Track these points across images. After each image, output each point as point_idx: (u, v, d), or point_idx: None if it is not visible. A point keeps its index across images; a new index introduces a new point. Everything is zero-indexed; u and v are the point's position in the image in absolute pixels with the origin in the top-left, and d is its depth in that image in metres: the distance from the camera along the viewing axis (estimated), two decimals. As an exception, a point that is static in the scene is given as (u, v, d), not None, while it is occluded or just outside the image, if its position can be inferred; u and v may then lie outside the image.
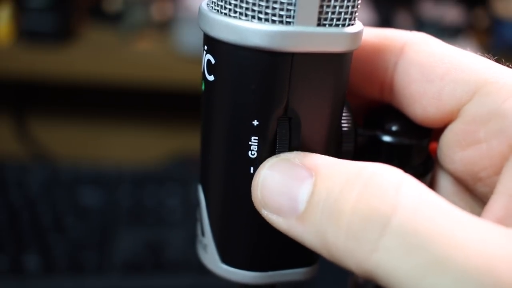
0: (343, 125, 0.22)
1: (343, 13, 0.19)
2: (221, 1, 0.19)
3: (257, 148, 0.20)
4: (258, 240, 0.22)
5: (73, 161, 0.80)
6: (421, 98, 0.21)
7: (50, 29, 0.74)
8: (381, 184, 0.17)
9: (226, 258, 0.22)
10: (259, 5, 0.18)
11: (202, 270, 0.25)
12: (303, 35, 0.18)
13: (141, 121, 0.92)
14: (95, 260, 0.62)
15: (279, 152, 0.20)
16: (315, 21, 0.18)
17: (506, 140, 0.19)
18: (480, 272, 0.14)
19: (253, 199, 0.20)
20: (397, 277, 0.15)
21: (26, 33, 0.74)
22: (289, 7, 0.18)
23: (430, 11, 0.85)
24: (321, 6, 0.18)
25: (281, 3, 0.18)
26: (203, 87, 0.21)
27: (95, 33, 0.80)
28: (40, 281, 0.59)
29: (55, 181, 0.70)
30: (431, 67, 0.21)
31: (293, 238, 0.19)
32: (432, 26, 0.81)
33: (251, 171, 0.20)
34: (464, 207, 0.19)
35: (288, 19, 0.18)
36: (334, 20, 0.19)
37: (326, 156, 0.19)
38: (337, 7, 0.19)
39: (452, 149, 0.21)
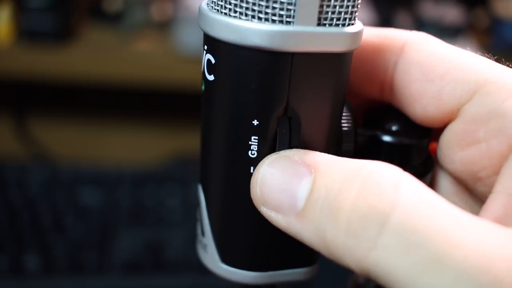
0: (343, 124, 0.22)
1: (343, 13, 0.19)
2: (221, 1, 0.19)
3: (257, 147, 0.20)
4: (258, 240, 0.22)
5: (73, 161, 0.80)
6: (421, 98, 0.21)
7: (50, 29, 0.74)
8: (380, 182, 0.17)
9: (226, 258, 0.22)
10: (259, 4, 0.18)
11: (202, 270, 0.25)
12: (303, 34, 0.18)
13: (141, 121, 0.92)
14: (95, 260, 0.62)
15: (279, 152, 0.20)
16: (315, 21, 0.18)
17: (505, 140, 0.19)
18: (478, 271, 0.14)
19: (252, 196, 0.20)
20: (396, 275, 0.15)
21: (26, 33, 0.74)
22: (289, 7, 0.18)
23: (430, 11, 0.85)
24: (321, 6, 0.18)
25: (281, 2, 0.18)
26: (203, 87, 0.21)
27: (95, 33, 0.80)
28: (40, 281, 0.59)
29: (55, 181, 0.70)
30: (431, 66, 0.21)
31: (292, 235, 0.19)
32: (432, 26, 0.81)
33: (251, 171, 0.20)
34: (464, 207, 0.19)
35: (288, 19, 0.18)
36: (334, 19, 0.19)
37: (326, 154, 0.19)
38: (337, 7, 0.19)
39: (452, 149, 0.21)
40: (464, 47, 0.22)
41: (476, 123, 0.20)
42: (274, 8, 0.18)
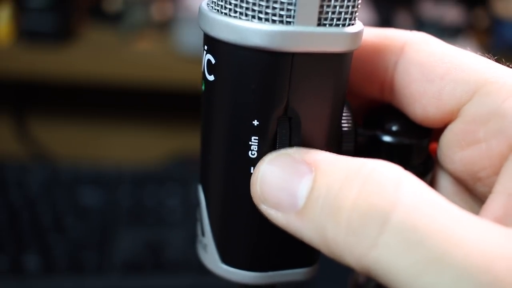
0: (343, 125, 0.22)
1: (343, 13, 0.19)
2: (221, 1, 0.19)
3: (257, 148, 0.20)
4: (258, 240, 0.22)
5: (73, 161, 0.80)
6: (421, 98, 0.21)
7: (50, 29, 0.74)
8: (381, 181, 0.17)
9: (226, 258, 0.22)
10: (259, 5, 0.18)
11: (202, 270, 0.25)
12: (303, 35, 0.18)
13: (141, 121, 0.92)
14: (95, 260, 0.62)
15: (279, 152, 0.20)
16: (315, 21, 0.18)
17: (505, 140, 0.19)
18: (479, 270, 0.14)
19: (252, 194, 0.20)
20: (396, 273, 0.15)
21: (26, 33, 0.74)
22: (289, 7, 0.18)
23: (430, 11, 0.85)
24: (321, 6, 0.18)
25: (281, 3, 0.18)
26: (203, 87, 0.21)
27: (95, 33, 0.80)
28: (40, 281, 0.59)
29: (55, 181, 0.70)
30: (431, 66, 0.21)
31: (292, 233, 0.19)
32: (432, 26, 0.81)
33: (251, 171, 0.20)
34: (464, 207, 0.19)
35: (288, 19, 0.18)
36: (335, 20, 0.19)
37: (326, 152, 0.19)
38: (337, 7, 0.19)
39: (452, 149, 0.21)
40: (464, 47, 0.22)
41: (476, 123, 0.20)
42: (274, 8, 0.18)
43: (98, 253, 0.62)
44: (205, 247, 0.23)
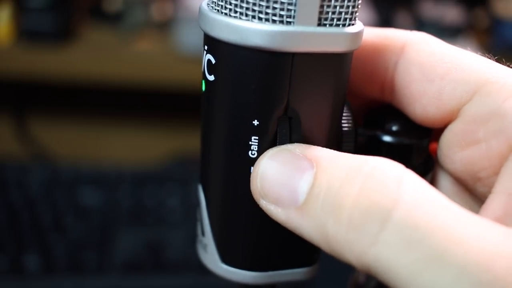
0: (344, 125, 0.22)
1: (343, 13, 0.19)
2: (222, 1, 0.19)
3: (257, 148, 0.20)
4: (258, 240, 0.22)
5: (73, 161, 0.80)
6: (421, 98, 0.21)
7: (50, 29, 0.74)
8: (383, 178, 0.17)
9: (226, 258, 0.22)
10: (260, 5, 0.18)
11: (202, 270, 0.25)
12: (303, 35, 0.18)
13: (141, 121, 0.92)
14: (95, 260, 0.62)
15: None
16: (316, 21, 0.18)
17: (505, 140, 0.19)
18: (479, 269, 0.14)
19: (251, 189, 0.20)
20: (396, 271, 0.15)
21: (26, 33, 0.74)
22: (290, 7, 0.18)
23: (430, 11, 0.85)
24: (322, 6, 0.18)
25: (282, 3, 0.18)
26: (203, 87, 0.21)
27: (95, 33, 0.80)
28: (40, 281, 0.59)
29: (55, 181, 0.70)
30: (432, 66, 0.21)
31: (291, 229, 0.19)
32: (432, 26, 0.81)
33: (251, 171, 0.20)
34: (464, 207, 0.19)
35: (288, 19, 0.18)
36: (335, 20, 0.19)
37: (327, 149, 0.19)
38: (338, 7, 0.19)
39: (452, 149, 0.21)
40: (464, 47, 0.22)
41: (476, 124, 0.20)
42: (274, 8, 0.18)
43: (98, 253, 0.62)
44: (205, 247, 0.23)
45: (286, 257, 0.23)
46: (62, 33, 0.75)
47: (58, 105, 0.90)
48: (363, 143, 0.23)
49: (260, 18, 0.18)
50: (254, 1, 0.18)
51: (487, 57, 0.21)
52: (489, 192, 0.20)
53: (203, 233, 0.23)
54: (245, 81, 0.19)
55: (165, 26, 0.82)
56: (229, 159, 0.21)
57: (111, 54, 0.75)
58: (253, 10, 0.18)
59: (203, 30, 0.20)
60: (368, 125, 0.24)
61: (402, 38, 0.22)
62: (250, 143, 0.20)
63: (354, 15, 0.19)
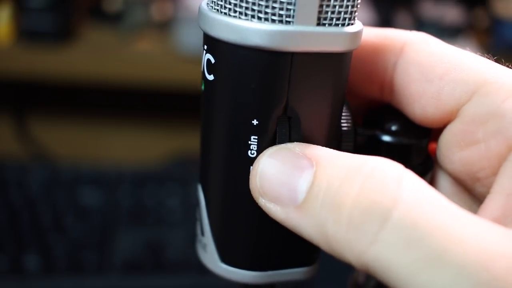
0: (343, 124, 0.22)
1: (342, 13, 0.19)
2: (221, 1, 0.19)
3: (257, 147, 0.20)
4: (257, 240, 0.22)
5: (73, 161, 0.80)
6: (420, 98, 0.21)
7: (50, 29, 0.74)
8: (383, 178, 0.17)
9: (226, 257, 0.22)
10: (259, 4, 0.18)
11: (202, 270, 0.25)
12: (302, 34, 0.18)
13: (141, 121, 0.92)
14: (95, 260, 0.62)
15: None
16: (315, 21, 0.18)
17: (504, 140, 0.19)
18: (478, 268, 0.14)
19: (250, 187, 0.20)
20: (395, 271, 0.15)
21: (26, 33, 0.74)
22: (289, 7, 0.18)
23: (430, 11, 0.85)
24: (321, 6, 0.18)
25: (281, 2, 0.18)
26: (203, 87, 0.21)
27: (95, 33, 0.80)
28: (40, 281, 0.59)
29: (55, 181, 0.70)
30: (431, 67, 0.21)
31: (290, 228, 0.19)
32: (432, 26, 0.81)
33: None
34: (463, 207, 0.19)
35: (287, 19, 0.18)
36: (334, 19, 0.19)
37: (327, 148, 0.19)
38: (337, 7, 0.19)
39: (451, 149, 0.21)
40: (464, 47, 0.22)
41: (475, 124, 0.20)
42: (273, 8, 0.18)
43: (98, 253, 0.62)
44: (204, 246, 0.23)
45: (285, 257, 0.23)
46: (62, 33, 0.75)
47: (58, 105, 0.90)
48: (362, 143, 0.23)
49: (259, 18, 0.18)
50: (253, 1, 0.18)
51: (486, 57, 0.21)
52: (487, 192, 0.20)
53: (202, 233, 0.23)
54: (244, 80, 0.19)
55: (165, 26, 0.82)
56: (228, 158, 0.21)
57: (111, 54, 0.75)
58: (253, 10, 0.18)
59: (202, 30, 0.20)
60: (367, 125, 0.24)
61: (401, 38, 0.22)
62: (249, 142, 0.20)
63: (353, 15, 0.20)
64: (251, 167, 0.20)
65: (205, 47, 0.20)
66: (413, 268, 0.15)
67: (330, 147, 0.21)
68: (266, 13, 0.18)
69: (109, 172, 0.72)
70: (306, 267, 0.23)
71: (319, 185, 0.18)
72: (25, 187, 0.68)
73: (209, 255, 0.23)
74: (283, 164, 0.19)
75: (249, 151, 0.20)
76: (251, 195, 0.20)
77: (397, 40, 0.22)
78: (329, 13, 0.19)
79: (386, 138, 0.23)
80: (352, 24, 0.20)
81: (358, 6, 0.20)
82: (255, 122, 0.19)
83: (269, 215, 0.19)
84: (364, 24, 0.20)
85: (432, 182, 0.23)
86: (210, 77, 0.20)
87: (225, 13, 0.19)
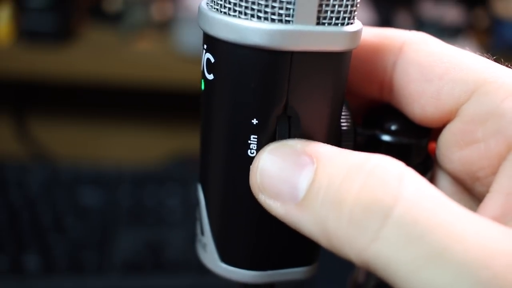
0: (342, 124, 0.22)
1: (342, 12, 0.19)
2: (221, 0, 0.19)
3: (257, 146, 0.20)
4: (257, 239, 0.22)
5: (73, 161, 0.80)
6: (419, 98, 0.21)
7: (50, 29, 0.74)
8: (384, 176, 0.17)
9: (226, 257, 0.23)
10: (259, 3, 0.18)
11: (202, 270, 0.25)
12: (302, 34, 0.18)
13: (141, 121, 0.92)
14: (95, 260, 0.62)
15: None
16: (314, 20, 0.18)
17: (503, 139, 0.19)
18: (478, 266, 0.14)
19: (250, 184, 0.20)
20: (396, 268, 0.15)
21: (26, 33, 0.74)
22: (289, 6, 0.18)
23: (430, 11, 0.85)
24: (320, 5, 0.18)
25: (281, 2, 0.18)
26: (202, 86, 0.21)
27: (95, 33, 0.80)
28: (40, 281, 0.59)
29: (55, 181, 0.70)
30: (430, 66, 0.21)
31: (290, 224, 0.19)
32: (432, 26, 0.81)
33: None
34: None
35: (287, 18, 0.18)
36: (333, 19, 0.19)
37: (328, 145, 0.19)
38: (336, 6, 0.19)
39: (450, 149, 0.21)
40: (464, 47, 0.22)
41: (474, 123, 0.20)
42: (273, 7, 0.18)
43: (98, 253, 0.62)
44: (204, 246, 0.23)
45: (285, 256, 0.23)
46: (62, 33, 0.75)
47: (58, 105, 0.90)
48: (362, 142, 0.23)
49: (259, 17, 0.18)
50: (253, 0, 0.18)
51: (486, 57, 0.21)
52: (487, 191, 0.20)
53: (202, 233, 0.23)
54: (244, 80, 0.19)
55: (165, 26, 0.82)
56: (228, 158, 0.21)
57: (111, 54, 0.75)
58: (252, 9, 0.18)
59: (202, 29, 0.20)
60: (367, 125, 0.24)
61: (401, 38, 0.22)
62: (249, 142, 0.20)
63: (353, 14, 0.20)
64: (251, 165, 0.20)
65: (205, 46, 0.20)
66: (414, 266, 0.15)
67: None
68: (265, 12, 0.18)
69: (109, 172, 0.72)
70: (306, 266, 0.23)
71: (320, 182, 0.18)
72: (25, 187, 0.68)
73: (209, 254, 0.23)
74: (284, 160, 0.19)
75: (249, 151, 0.20)
76: (251, 194, 0.20)
77: (396, 40, 0.22)
78: (329, 13, 0.19)
79: (386, 137, 0.23)
80: (351, 23, 0.20)
81: (358, 5, 0.20)
82: (254, 121, 0.19)
83: (269, 211, 0.19)
84: (364, 24, 0.20)
85: (431, 181, 0.23)
86: (210, 77, 0.20)
87: (224, 13, 0.19)
